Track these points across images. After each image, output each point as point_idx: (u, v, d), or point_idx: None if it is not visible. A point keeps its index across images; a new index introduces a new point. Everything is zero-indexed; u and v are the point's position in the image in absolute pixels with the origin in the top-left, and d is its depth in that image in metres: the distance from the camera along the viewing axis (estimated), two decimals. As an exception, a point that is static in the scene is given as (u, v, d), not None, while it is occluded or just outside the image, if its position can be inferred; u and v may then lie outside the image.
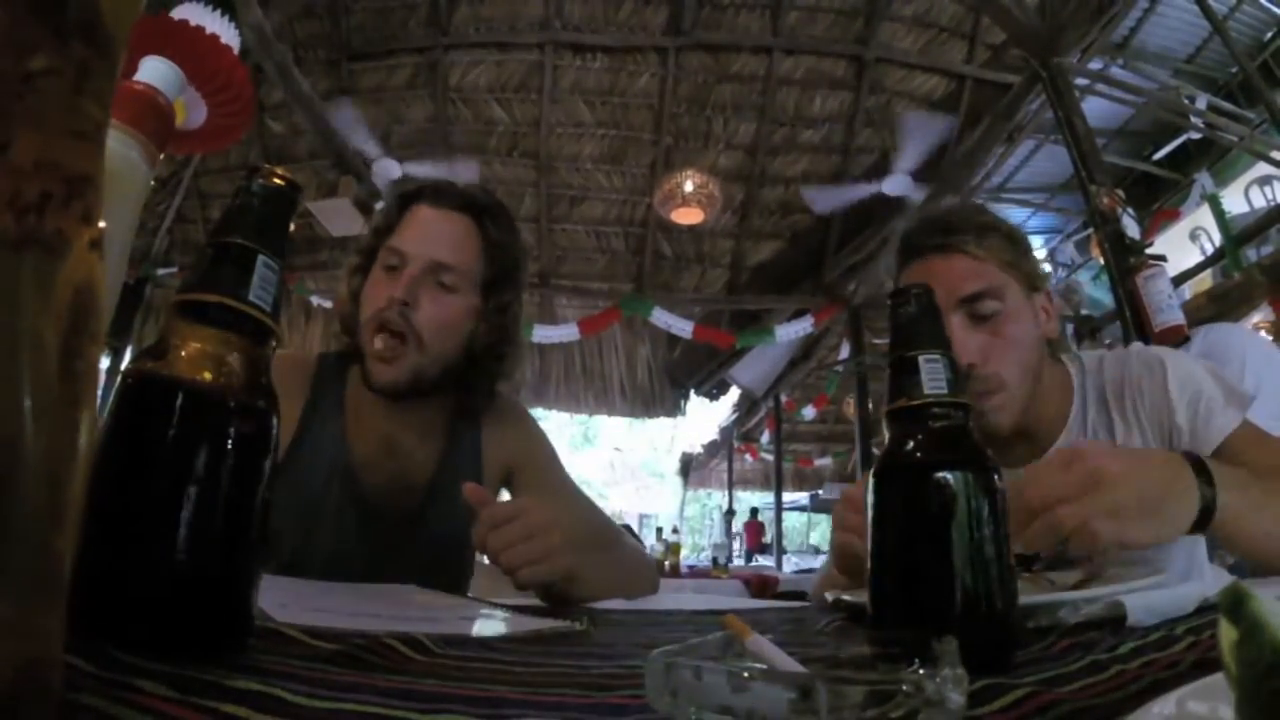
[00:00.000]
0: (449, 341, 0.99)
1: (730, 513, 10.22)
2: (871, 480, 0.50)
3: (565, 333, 6.05)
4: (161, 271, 5.94)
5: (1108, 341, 4.48)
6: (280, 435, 0.42)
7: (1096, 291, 6.78)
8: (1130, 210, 3.21)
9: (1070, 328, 4.89)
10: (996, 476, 0.48)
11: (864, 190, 5.17)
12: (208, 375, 0.38)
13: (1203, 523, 0.67)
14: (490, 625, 0.66)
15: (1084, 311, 5.76)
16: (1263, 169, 4.93)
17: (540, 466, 1.14)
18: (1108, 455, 0.66)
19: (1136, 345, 1.09)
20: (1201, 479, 0.67)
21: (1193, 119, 5.10)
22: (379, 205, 4.61)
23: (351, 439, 1.02)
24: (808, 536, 14.63)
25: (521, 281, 1.09)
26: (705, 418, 10.40)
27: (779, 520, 9.32)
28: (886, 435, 0.52)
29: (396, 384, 0.96)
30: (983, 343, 0.93)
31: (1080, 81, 4.03)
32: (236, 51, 1.12)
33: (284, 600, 0.55)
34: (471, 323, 1.02)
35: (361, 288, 1.02)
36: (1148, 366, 0.96)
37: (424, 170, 4.88)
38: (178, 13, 1.06)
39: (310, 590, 0.73)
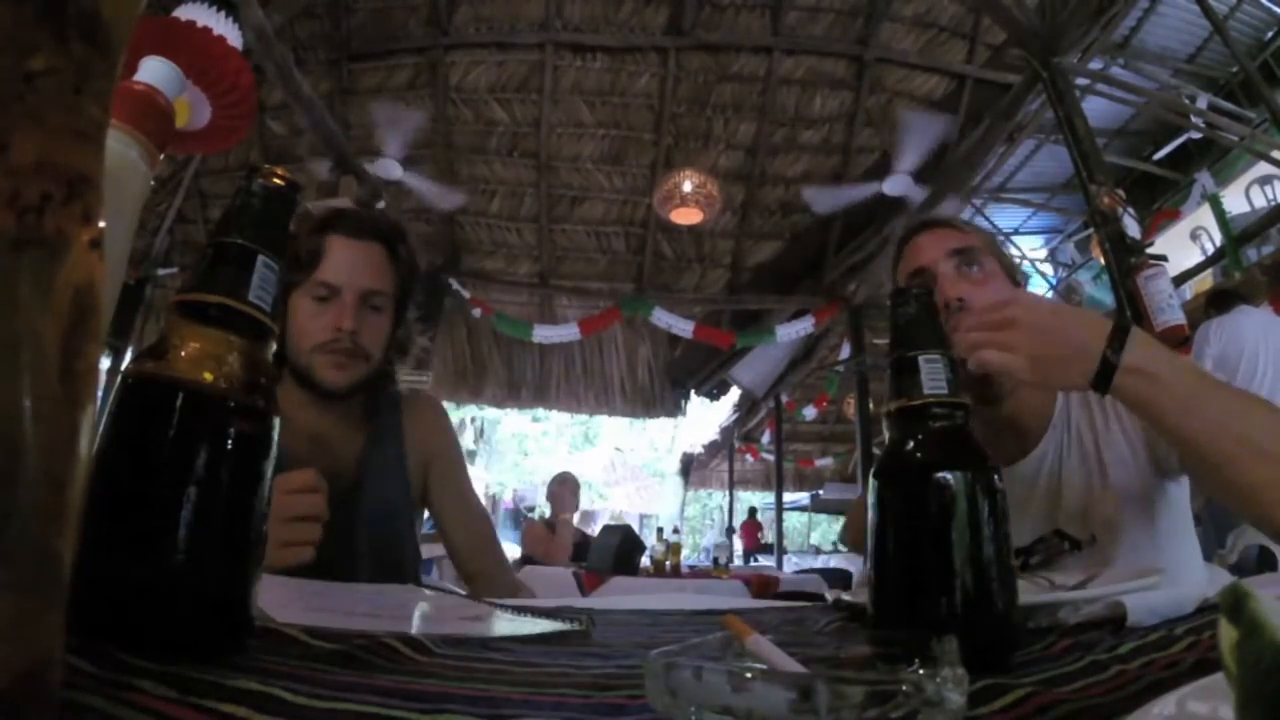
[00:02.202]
0: (381, 351, 1.15)
1: (732, 529, 10.22)
2: (872, 480, 0.50)
3: (566, 333, 6.05)
4: (161, 271, 5.94)
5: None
6: None
7: (1097, 291, 6.78)
8: (1131, 210, 3.21)
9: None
10: (996, 476, 0.48)
11: (864, 190, 5.17)
12: (208, 375, 0.38)
13: (1102, 382, 0.74)
14: (490, 625, 0.66)
15: (1084, 311, 5.74)
16: (1263, 169, 4.93)
17: (453, 460, 1.29)
18: (1028, 306, 0.78)
19: None
20: (1115, 344, 0.74)
21: (1193, 119, 5.10)
22: (379, 206, 4.61)
23: (283, 440, 1.08)
24: (808, 537, 14.64)
25: (419, 282, 1.24)
26: (706, 418, 10.41)
27: (779, 520, 9.32)
28: (887, 435, 0.52)
29: (351, 386, 1.10)
30: (970, 288, 1.00)
31: (1081, 81, 4.03)
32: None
33: (284, 600, 0.55)
34: (391, 330, 1.17)
35: (282, 315, 1.10)
36: None
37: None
38: (181, 13, 1.06)
39: (310, 590, 0.73)
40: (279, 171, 0.44)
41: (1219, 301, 3.44)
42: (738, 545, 10.21)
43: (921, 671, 0.28)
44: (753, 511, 11.96)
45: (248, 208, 0.42)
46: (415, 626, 0.60)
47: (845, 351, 6.66)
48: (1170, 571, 0.79)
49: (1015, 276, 1.08)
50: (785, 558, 8.96)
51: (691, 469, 11.70)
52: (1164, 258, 3.03)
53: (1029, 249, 8.28)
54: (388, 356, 1.18)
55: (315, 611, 0.56)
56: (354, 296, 1.08)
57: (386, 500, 1.16)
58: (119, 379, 0.38)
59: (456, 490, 1.27)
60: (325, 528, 1.06)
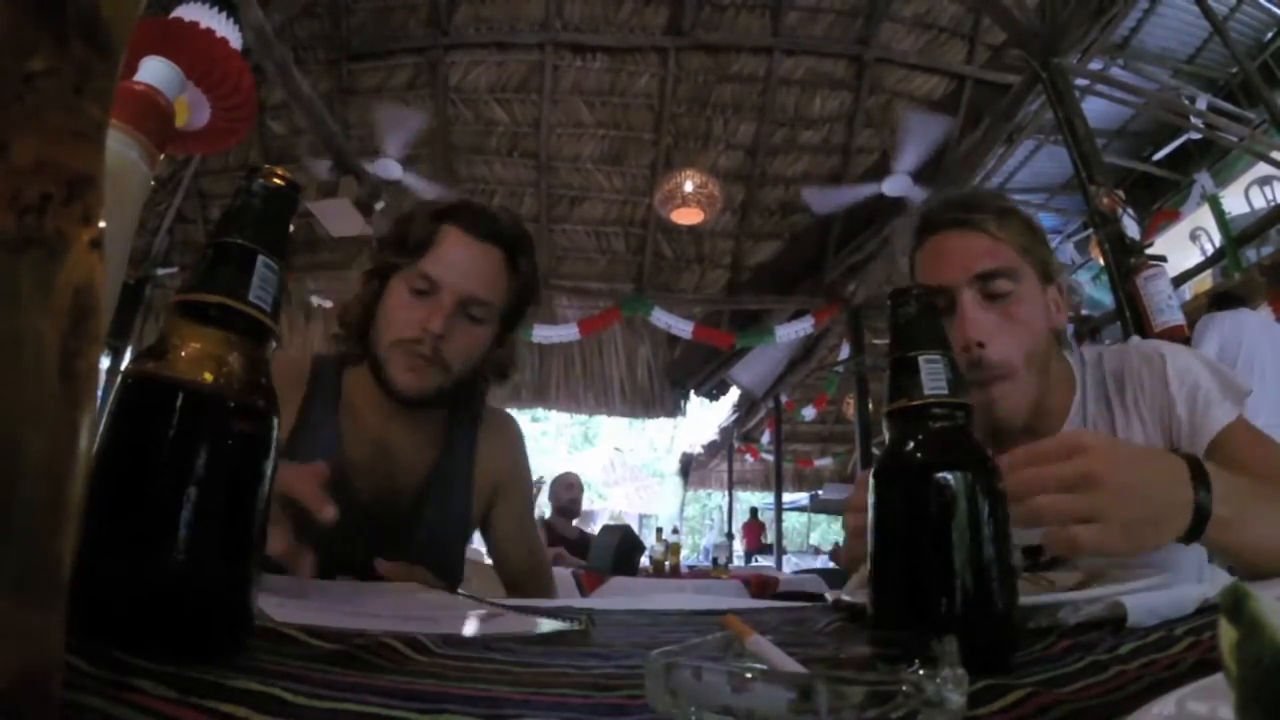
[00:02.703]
0: (470, 365, 1.04)
1: (731, 535, 10.19)
2: (872, 481, 0.50)
3: (565, 333, 6.05)
4: (161, 271, 5.93)
5: (1108, 341, 4.48)
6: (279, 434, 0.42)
7: (1097, 292, 6.78)
8: (1130, 210, 3.21)
9: (1070, 328, 4.89)
10: (996, 477, 0.48)
11: (864, 191, 5.17)
12: (208, 375, 0.38)
13: (1194, 533, 0.65)
14: (490, 625, 0.66)
15: (1084, 312, 5.77)
16: (1263, 169, 4.93)
17: (523, 489, 1.21)
18: (1108, 455, 0.63)
19: (1135, 339, 1.08)
20: (1201, 488, 0.65)
21: (1193, 119, 5.10)
22: (379, 205, 4.61)
23: (346, 441, 1.04)
24: (808, 537, 14.63)
25: (538, 304, 1.14)
26: (705, 418, 10.41)
27: (779, 520, 9.32)
28: (887, 435, 0.51)
29: (424, 394, 0.99)
30: (993, 323, 0.91)
31: (1080, 82, 4.03)
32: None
33: (284, 600, 0.55)
34: (489, 347, 1.07)
35: (378, 297, 1.03)
36: (1147, 359, 0.95)
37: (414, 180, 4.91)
38: (181, 13, 1.07)
39: (310, 590, 0.73)
40: (279, 171, 0.44)
41: (1220, 303, 3.45)
42: (738, 546, 10.21)
43: (921, 672, 0.28)
44: (754, 512, 11.95)
45: (248, 208, 0.42)
46: (415, 626, 0.60)
47: (845, 352, 6.66)
48: (1178, 572, 0.78)
49: (1051, 273, 0.98)
50: (785, 558, 8.95)
51: (691, 469, 11.69)
52: (1163, 258, 3.04)
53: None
54: (481, 374, 1.07)
55: (315, 611, 0.56)
56: (453, 298, 0.98)
57: (447, 519, 1.08)
58: (119, 379, 0.38)
59: (519, 519, 1.19)
60: (380, 540, 1.00)
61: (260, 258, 0.41)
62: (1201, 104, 5.38)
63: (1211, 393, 0.90)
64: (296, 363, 1.10)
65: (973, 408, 0.51)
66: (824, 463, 10.34)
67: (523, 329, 1.13)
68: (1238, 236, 4.66)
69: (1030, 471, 0.61)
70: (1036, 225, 1.01)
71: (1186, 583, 0.65)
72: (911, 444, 0.49)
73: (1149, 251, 3.11)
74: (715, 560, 5.58)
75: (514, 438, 1.22)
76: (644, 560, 4.17)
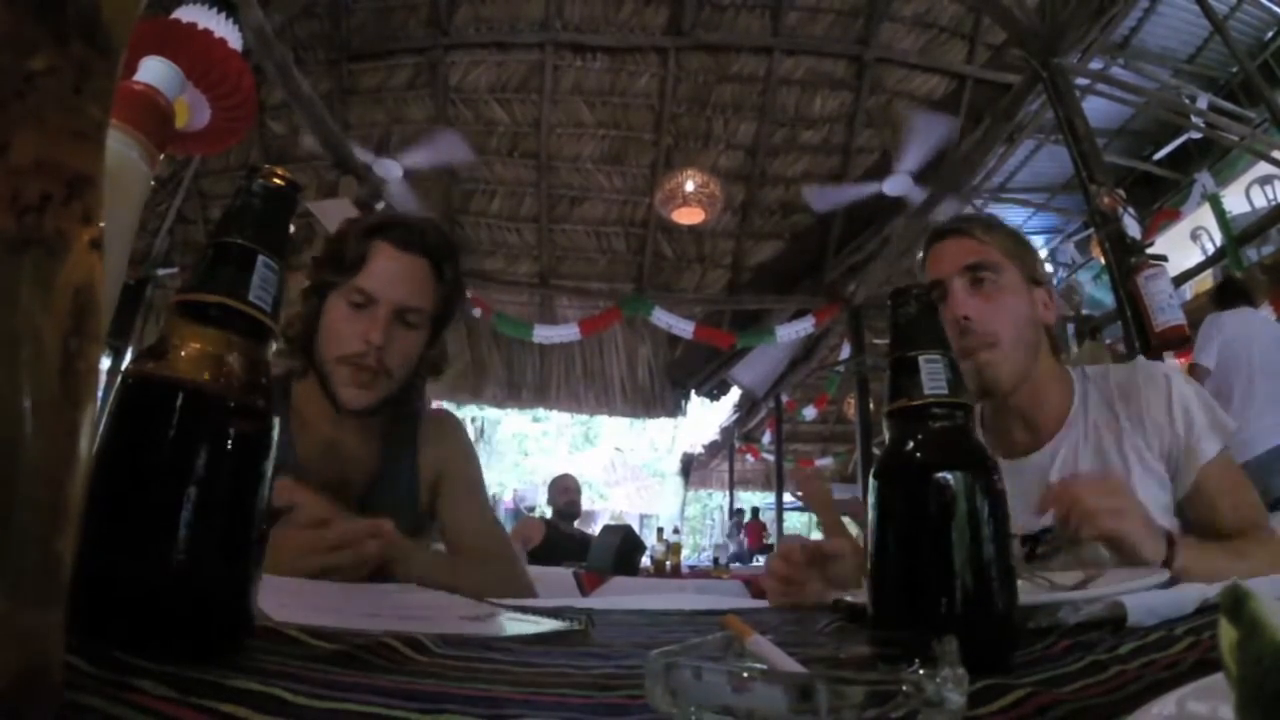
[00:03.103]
0: (410, 367, 1.12)
1: (739, 512, 10.17)
2: (872, 481, 0.50)
3: (566, 333, 6.05)
4: (161, 271, 5.93)
5: (1108, 340, 4.48)
6: None
7: (1097, 291, 6.78)
8: (1131, 210, 3.21)
9: (1071, 328, 4.90)
10: (996, 477, 0.48)
11: (865, 190, 5.17)
12: (207, 375, 0.38)
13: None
14: (490, 625, 0.66)
15: (1084, 311, 5.77)
16: (1263, 169, 4.93)
17: (465, 475, 1.25)
18: (1131, 497, 0.86)
19: (1141, 359, 1.22)
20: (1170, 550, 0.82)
21: (1193, 119, 5.10)
22: (380, 205, 4.61)
23: (298, 446, 1.10)
24: (809, 537, 14.60)
25: (463, 306, 1.18)
26: (706, 418, 10.41)
27: (779, 520, 9.32)
28: (887, 435, 0.52)
29: (370, 407, 1.07)
30: (978, 303, 1.05)
31: (1081, 81, 4.03)
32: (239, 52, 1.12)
33: (284, 600, 0.55)
34: (422, 349, 1.15)
35: (318, 313, 1.09)
36: (1153, 379, 1.06)
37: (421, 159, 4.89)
38: (181, 13, 1.07)
39: (309, 590, 0.73)
40: (279, 171, 0.44)
41: (1226, 296, 3.45)
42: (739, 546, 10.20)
43: (921, 671, 0.28)
44: (755, 512, 11.95)
45: (248, 208, 0.42)
46: (415, 626, 0.60)
47: (845, 352, 6.66)
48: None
49: (1037, 278, 1.12)
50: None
51: (692, 469, 11.69)
52: (1164, 258, 3.04)
53: (1029, 249, 8.26)
54: (418, 373, 1.15)
55: (315, 611, 0.56)
56: (389, 310, 1.06)
57: (395, 514, 1.11)
58: (119, 379, 0.38)
59: (465, 501, 1.22)
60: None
61: (260, 257, 0.40)
62: (1202, 103, 5.37)
63: (1201, 427, 1.01)
64: None
65: (972, 407, 0.51)
66: (825, 462, 10.33)
67: (449, 329, 1.20)
68: (1238, 236, 4.66)
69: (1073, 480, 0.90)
70: (1023, 237, 1.17)
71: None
72: (911, 444, 0.49)
73: (1150, 251, 3.11)
74: (716, 560, 5.58)
75: (454, 428, 1.30)
76: (645, 560, 4.17)
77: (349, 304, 1.06)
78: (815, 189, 5.50)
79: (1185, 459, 1.00)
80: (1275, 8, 5.77)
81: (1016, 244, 1.12)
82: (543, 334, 6.00)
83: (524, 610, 0.72)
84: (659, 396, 7.38)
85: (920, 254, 1.17)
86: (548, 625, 0.62)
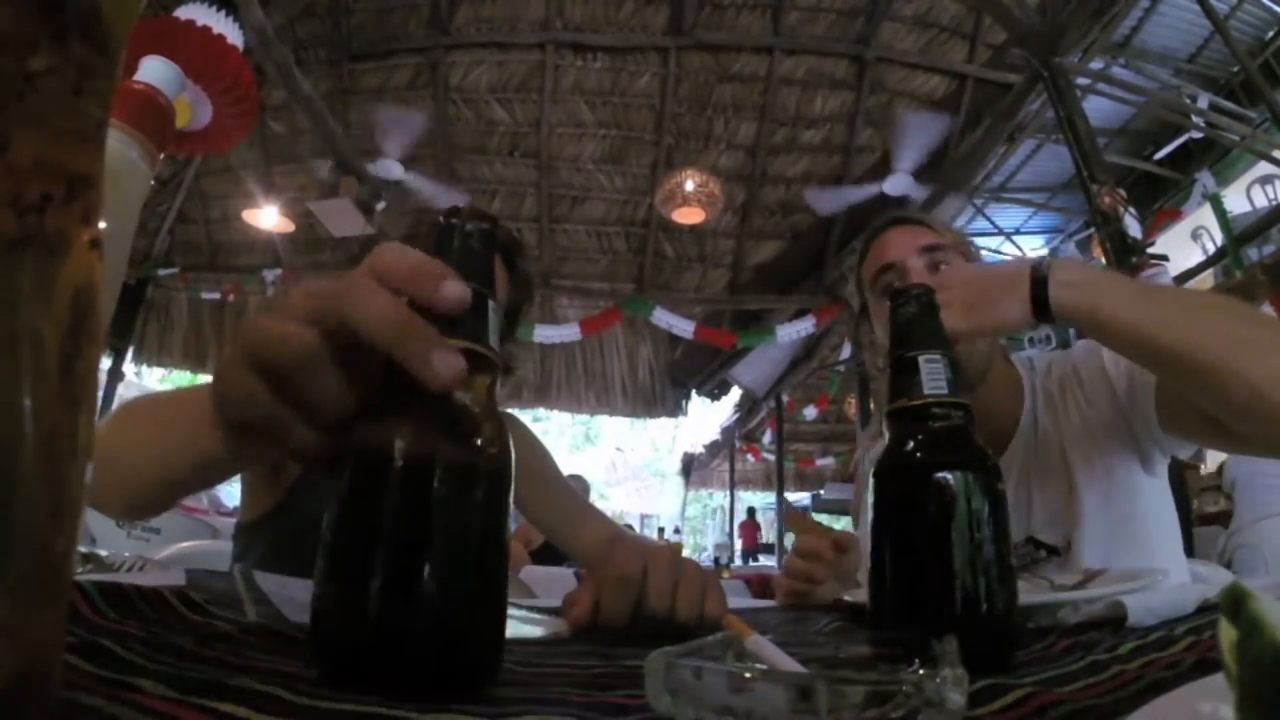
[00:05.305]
0: None
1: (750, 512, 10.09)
2: (872, 481, 0.50)
3: (566, 333, 6.05)
4: (162, 272, 5.94)
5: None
6: None
7: (1098, 291, 6.76)
8: (1132, 210, 3.21)
9: (1072, 329, 4.89)
10: (996, 477, 0.48)
11: (865, 191, 5.17)
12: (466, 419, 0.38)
13: (1041, 304, 0.77)
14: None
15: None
16: (1264, 168, 4.93)
17: (544, 473, 1.24)
18: (954, 269, 0.88)
19: (1080, 342, 1.15)
20: (1038, 270, 0.78)
21: (1194, 118, 5.10)
22: (380, 205, 4.61)
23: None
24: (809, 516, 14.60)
25: (533, 300, 1.20)
26: (707, 418, 10.41)
27: (780, 520, 9.32)
28: (886, 435, 0.52)
29: None
30: (935, 282, 1.01)
31: (1081, 81, 4.03)
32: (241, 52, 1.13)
33: (284, 600, 0.55)
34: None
35: None
36: (1087, 352, 1.02)
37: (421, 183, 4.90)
38: (182, 13, 1.07)
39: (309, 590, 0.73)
40: (480, 212, 0.43)
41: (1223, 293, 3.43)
42: (738, 545, 10.21)
43: (921, 671, 0.28)
44: (751, 512, 11.94)
45: (470, 252, 0.41)
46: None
47: (846, 351, 6.66)
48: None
49: None
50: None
51: (692, 469, 11.69)
52: (1165, 257, 3.04)
53: (1030, 249, 8.27)
54: None
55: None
56: None
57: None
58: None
59: (548, 491, 1.22)
60: None
61: (490, 302, 0.40)
62: (1203, 103, 5.37)
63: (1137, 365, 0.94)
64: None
65: (972, 407, 0.51)
66: (825, 462, 10.34)
67: (521, 327, 1.18)
68: (1239, 235, 4.66)
69: None
70: (969, 240, 1.18)
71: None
72: (911, 444, 0.49)
73: (1151, 250, 3.11)
74: (717, 560, 5.58)
75: (519, 427, 1.31)
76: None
77: None
78: (817, 191, 5.51)
79: (1134, 393, 0.93)
80: (1275, 7, 5.77)
81: (962, 240, 1.12)
82: (543, 334, 6.00)
83: (524, 610, 0.72)
84: (659, 396, 7.38)
85: (860, 252, 1.14)
86: (548, 625, 0.62)
